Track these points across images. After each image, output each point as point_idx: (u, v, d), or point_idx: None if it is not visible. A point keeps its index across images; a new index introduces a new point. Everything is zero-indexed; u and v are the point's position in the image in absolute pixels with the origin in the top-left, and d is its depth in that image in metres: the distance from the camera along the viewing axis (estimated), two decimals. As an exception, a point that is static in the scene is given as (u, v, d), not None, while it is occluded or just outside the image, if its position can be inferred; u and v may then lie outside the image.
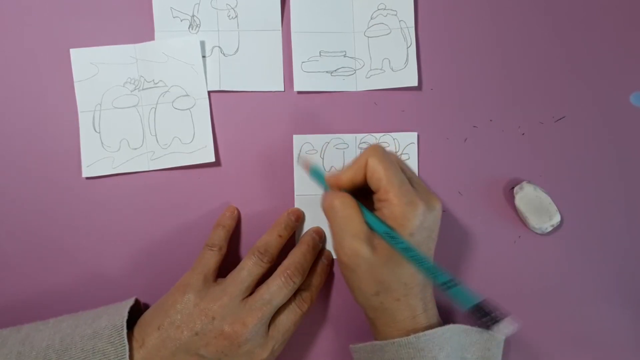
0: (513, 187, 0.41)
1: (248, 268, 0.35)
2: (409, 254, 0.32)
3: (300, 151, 0.40)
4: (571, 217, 0.42)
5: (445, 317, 0.37)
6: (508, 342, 0.42)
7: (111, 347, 0.32)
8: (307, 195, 0.40)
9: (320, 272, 0.39)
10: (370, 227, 0.33)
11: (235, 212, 0.40)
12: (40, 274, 0.40)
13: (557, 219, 0.40)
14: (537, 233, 0.41)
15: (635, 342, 0.42)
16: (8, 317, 0.40)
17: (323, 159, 0.40)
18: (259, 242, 0.37)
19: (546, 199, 0.40)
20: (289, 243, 0.39)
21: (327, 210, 0.34)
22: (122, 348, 0.32)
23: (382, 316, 0.34)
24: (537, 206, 0.40)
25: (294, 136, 0.40)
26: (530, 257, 0.42)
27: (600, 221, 0.42)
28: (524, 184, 0.40)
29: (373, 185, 0.34)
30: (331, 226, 0.34)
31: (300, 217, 0.40)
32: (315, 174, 0.37)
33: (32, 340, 0.33)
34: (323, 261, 0.40)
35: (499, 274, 0.42)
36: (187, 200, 0.40)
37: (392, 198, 0.32)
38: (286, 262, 0.36)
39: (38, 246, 0.40)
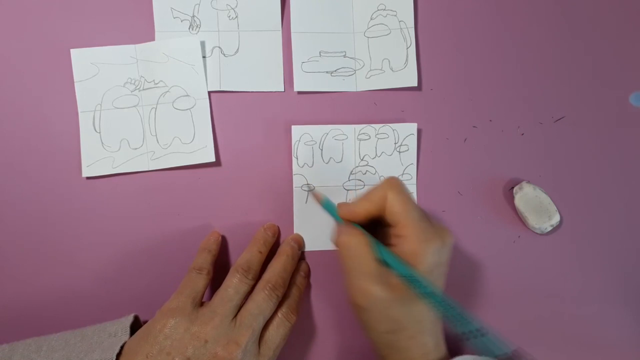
0: (512, 187, 0.41)
1: (234, 286, 0.35)
2: (433, 299, 0.31)
3: (298, 142, 0.40)
4: (571, 217, 0.42)
5: (454, 346, 0.37)
6: (507, 341, 0.42)
7: None
8: (306, 192, 0.40)
9: (299, 284, 0.39)
10: (384, 264, 0.33)
11: (219, 238, 0.39)
12: (40, 274, 0.40)
13: (556, 218, 0.40)
14: (536, 233, 0.41)
15: (636, 342, 0.42)
16: (7, 317, 0.40)
17: (322, 150, 0.40)
18: (240, 259, 0.37)
19: (545, 199, 0.40)
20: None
21: (340, 249, 0.34)
22: None
23: (394, 354, 0.34)
24: (536, 206, 0.40)
25: (293, 127, 0.40)
26: (530, 257, 0.42)
27: (600, 221, 0.42)
28: (523, 184, 0.40)
29: (391, 219, 0.33)
30: (344, 264, 0.34)
31: (276, 233, 0.40)
32: (328, 206, 0.36)
33: None
34: (301, 274, 0.40)
35: (498, 274, 0.42)
36: (187, 200, 0.40)
37: (410, 234, 0.32)
38: (267, 275, 0.36)
39: (38, 246, 0.40)
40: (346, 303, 0.41)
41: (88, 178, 0.40)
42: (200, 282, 0.35)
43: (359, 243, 0.33)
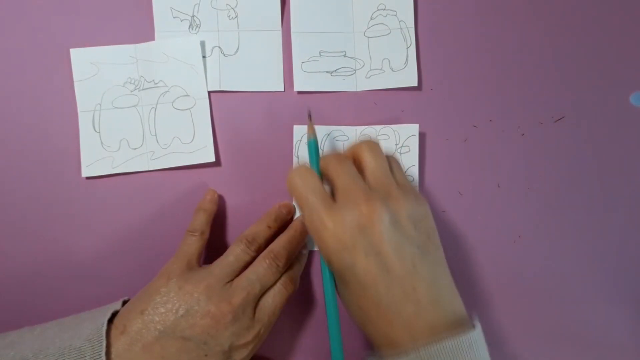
0: None
1: (235, 254, 0.35)
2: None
3: (300, 142, 0.40)
4: (572, 217, 0.42)
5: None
6: (507, 342, 0.42)
7: (88, 344, 0.31)
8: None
9: (303, 258, 0.39)
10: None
11: (215, 195, 0.39)
12: (40, 274, 0.40)
13: None
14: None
15: (635, 342, 0.42)
16: (6, 317, 0.40)
17: (323, 150, 0.40)
18: (247, 230, 0.37)
19: None
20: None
21: (288, 185, 0.34)
22: (99, 344, 0.31)
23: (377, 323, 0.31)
24: None
25: (295, 126, 0.40)
26: (530, 257, 0.42)
27: (601, 221, 0.42)
28: None
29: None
30: (299, 205, 0.33)
31: (292, 211, 0.40)
32: (312, 146, 0.36)
33: (14, 346, 0.32)
34: (303, 252, 0.40)
35: (498, 274, 0.42)
36: (187, 200, 0.40)
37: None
38: (272, 246, 0.36)
39: (37, 246, 0.40)
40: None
41: (88, 178, 0.40)
42: (194, 244, 0.36)
43: (312, 175, 0.33)
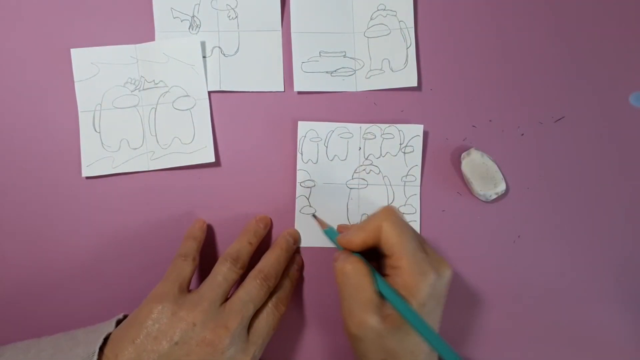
0: (461, 154, 0.41)
1: (223, 273, 0.35)
2: (419, 327, 0.30)
3: (304, 138, 0.40)
4: (571, 217, 0.42)
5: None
6: (506, 341, 0.42)
7: None
8: (308, 188, 0.41)
9: (292, 276, 0.39)
10: (381, 295, 0.32)
11: (205, 225, 0.39)
12: (40, 274, 0.40)
13: (501, 187, 0.40)
14: (481, 200, 0.41)
15: (634, 341, 0.42)
16: (7, 317, 0.40)
17: (327, 147, 0.40)
18: (229, 249, 0.37)
19: (492, 167, 0.40)
20: (263, 247, 0.39)
21: (339, 276, 0.33)
22: None
23: None
24: (482, 173, 0.39)
25: (299, 122, 0.40)
26: (530, 257, 0.42)
27: (601, 221, 0.42)
28: (472, 150, 0.40)
29: (386, 250, 0.33)
30: (341, 292, 0.33)
31: (268, 225, 0.40)
32: (329, 234, 0.37)
33: None
34: (294, 266, 0.40)
35: (498, 274, 0.42)
36: (187, 201, 0.40)
37: (404, 266, 0.31)
38: (260, 265, 0.36)
39: (37, 245, 0.40)
40: (338, 300, 0.41)
41: (88, 178, 0.40)
42: (186, 268, 0.35)
43: (357, 272, 0.33)
